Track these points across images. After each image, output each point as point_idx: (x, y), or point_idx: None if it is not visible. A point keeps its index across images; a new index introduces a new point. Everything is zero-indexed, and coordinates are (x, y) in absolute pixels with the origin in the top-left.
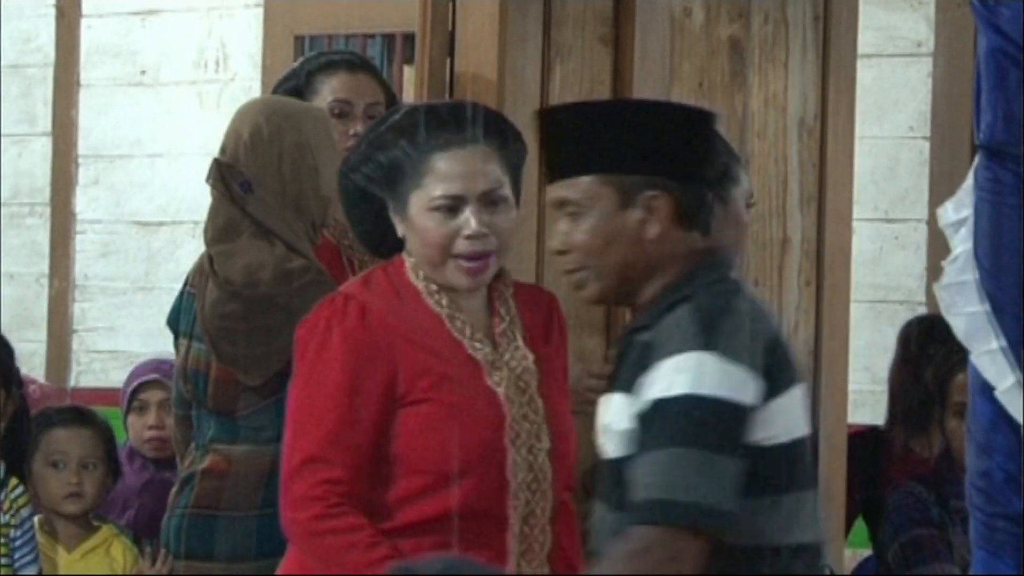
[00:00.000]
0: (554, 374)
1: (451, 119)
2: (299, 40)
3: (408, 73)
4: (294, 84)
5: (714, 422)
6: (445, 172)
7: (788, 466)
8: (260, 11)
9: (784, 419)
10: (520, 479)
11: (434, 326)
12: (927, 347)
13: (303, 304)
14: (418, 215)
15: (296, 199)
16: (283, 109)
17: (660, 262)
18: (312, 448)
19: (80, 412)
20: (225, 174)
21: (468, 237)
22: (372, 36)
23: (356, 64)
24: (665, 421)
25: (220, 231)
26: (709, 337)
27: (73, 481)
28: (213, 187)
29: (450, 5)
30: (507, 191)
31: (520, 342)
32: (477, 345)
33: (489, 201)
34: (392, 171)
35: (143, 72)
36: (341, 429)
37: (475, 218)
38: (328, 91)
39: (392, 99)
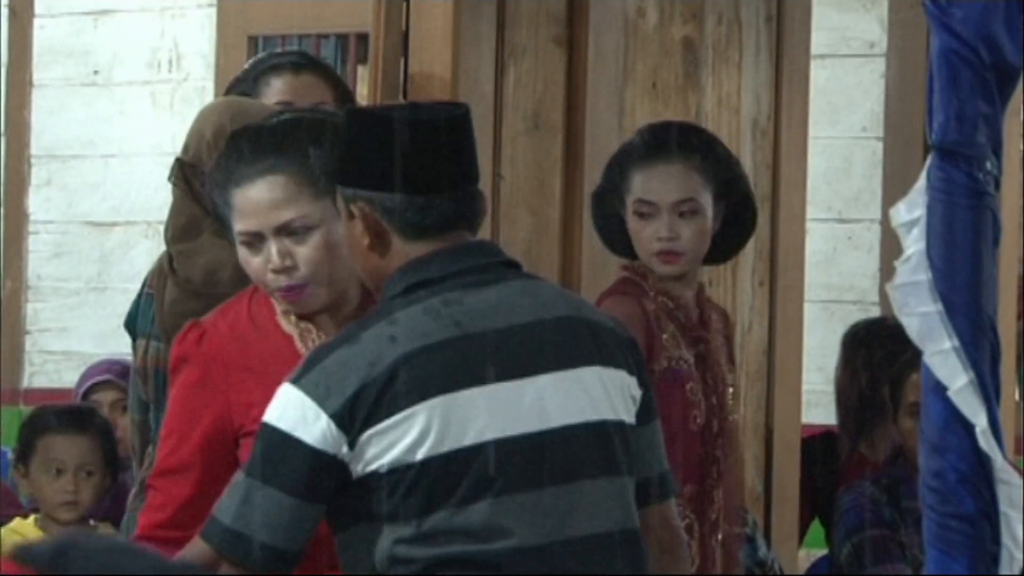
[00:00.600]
0: None
1: (251, 149)
2: (252, 40)
3: (362, 73)
4: (244, 87)
5: (278, 456)
6: (241, 208)
7: (434, 484)
8: (213, 11)
9: (411, 439)
10: None
11: (283, 348)
12: (863, 351)
13: None
14: (238, 246)
15: None
16: (246, 109)
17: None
18: (149, 475)
19: (79, 416)
20: (187, 173)
21: (273, 271)
22: (326, 36)
23: (301, 65)
24: (252, 447)
25: (181, 230)
26: (303, 370)
27: (70, 489)
28: (175, 186)
29: (404, 5)
30: (312, 218)
31: None
32: None
33: (290, 232)
34: (217, 202)
35: (96, 72)
36: (170, 458)
37: (276, 252)
38: (273, 92)
39: (346, 97)
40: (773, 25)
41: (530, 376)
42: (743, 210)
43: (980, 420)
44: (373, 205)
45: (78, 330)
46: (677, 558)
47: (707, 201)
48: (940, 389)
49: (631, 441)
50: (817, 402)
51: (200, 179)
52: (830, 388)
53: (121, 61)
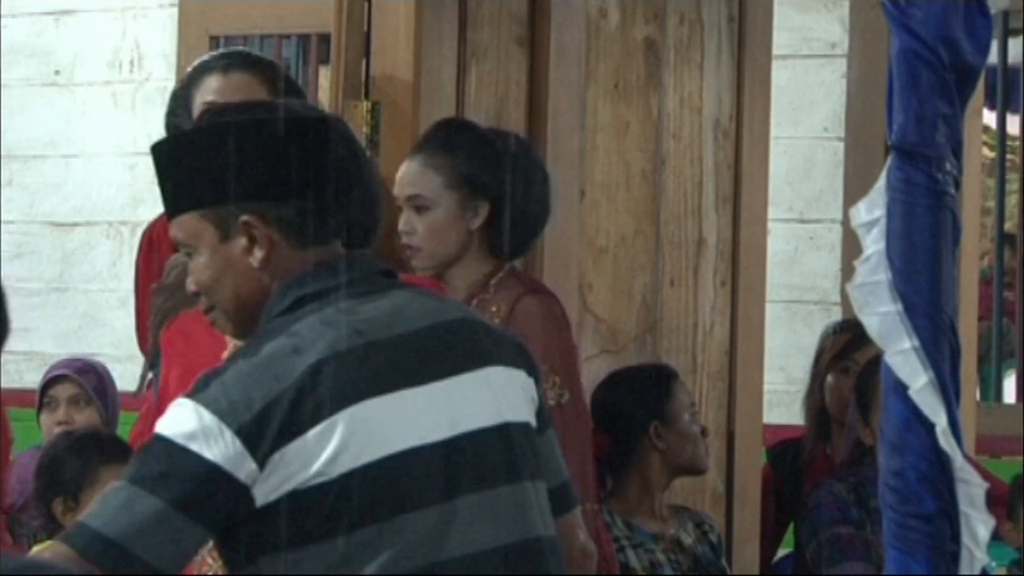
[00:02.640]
0: None
1: None
2: (214, 40)
3: (324, 74)
4: (183, 89)
5: (169, 468)
6: None
7: (360, 498)
8: (175, 11)
9: (329, 453)
10: None
11: (219, 353)
12: (826, 353)
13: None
14: None
15: None
16: None
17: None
18: None
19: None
20: None
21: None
22: (287, 37)
23: (231, 64)
24: (135, 457)
25: None
26: (200, 386)
27: None
28: None
29: (365, 6)
30: None
31: None
32: None
33: None
34: None
35: (57, 72)
36: None
37: None
38: (205, 92)
39: (290, 95)
40: (735, 25)
41: (437, 380)
42: (523, 208)
43: (940, 419)
44: (266, 217)
45: (39, 330)
46: (584, 572)
47: (442, 197)
48: (900, 389)
49: (536, 444)
50: (778, 402)
51: None
52: (792, 388)
53: (82, 61)
